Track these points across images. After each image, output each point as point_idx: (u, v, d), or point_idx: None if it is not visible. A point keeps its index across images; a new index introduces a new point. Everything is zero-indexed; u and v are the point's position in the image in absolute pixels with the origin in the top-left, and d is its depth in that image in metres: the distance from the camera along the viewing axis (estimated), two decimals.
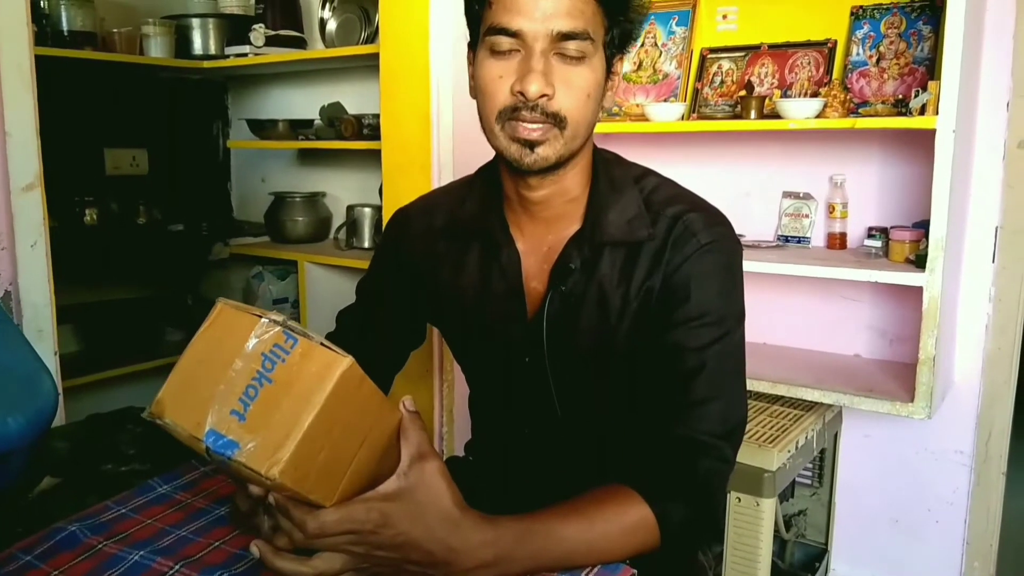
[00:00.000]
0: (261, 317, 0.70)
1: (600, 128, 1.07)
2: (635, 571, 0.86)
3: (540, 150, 0.94)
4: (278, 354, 0.68)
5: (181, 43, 2.98)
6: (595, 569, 0.85)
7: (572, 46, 0.92)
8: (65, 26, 2.64)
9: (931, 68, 1.92)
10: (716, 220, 1.02)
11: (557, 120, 0.93)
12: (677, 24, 2.30)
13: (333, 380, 0.67)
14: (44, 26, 2.59)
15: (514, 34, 0.92)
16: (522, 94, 0.91)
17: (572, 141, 0.96)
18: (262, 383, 0.68)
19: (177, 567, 0.85)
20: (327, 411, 0.67)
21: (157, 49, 2.88)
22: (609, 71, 0.99)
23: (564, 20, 0.91)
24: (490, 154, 1.09)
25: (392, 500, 0.76)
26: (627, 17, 0.97)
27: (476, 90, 0.99)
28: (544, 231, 1.06)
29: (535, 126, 0.93)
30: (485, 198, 1.09)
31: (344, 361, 0.68)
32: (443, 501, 0.78)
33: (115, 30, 2.77)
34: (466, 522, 0.79)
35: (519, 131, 0.94)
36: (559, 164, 0.98)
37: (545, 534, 0.83)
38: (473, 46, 1.00)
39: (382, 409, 0.76)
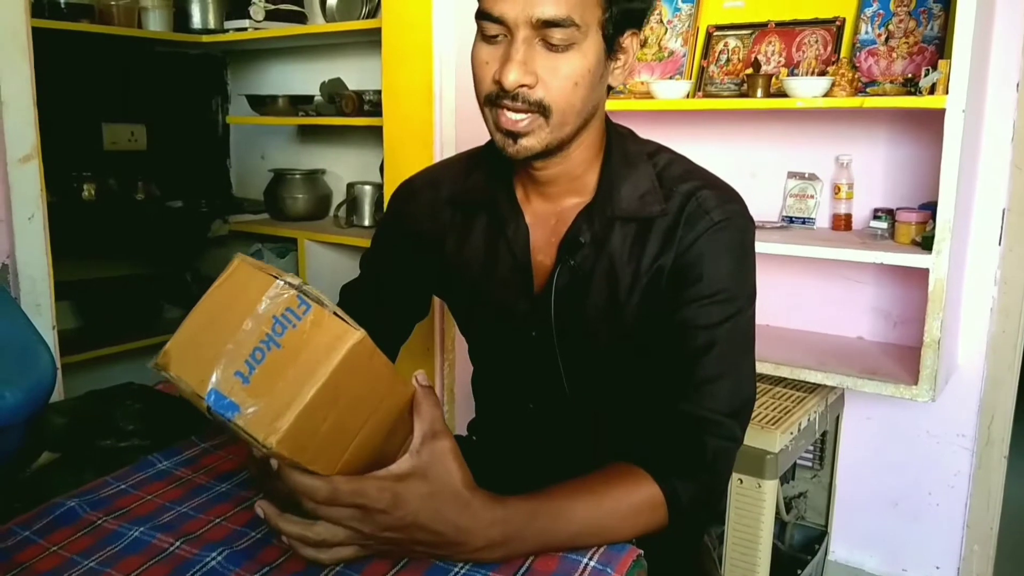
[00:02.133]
0: (277, 278, 0.68)
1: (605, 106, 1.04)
2: (641, 551, 0.85)
3: (523, 141, 0.93)
4: (289, 319, 0.67)
5: (180, 17, 2.95)
6: (601, 549, 0.84)
7: (556, 34, 0.89)
8: None
9: (941, 47, 1.90)
10: (730, 197, 1.00)
11: (541, 108, 0.91)
12: (683, 1, 2.27)
13: (341, 353, 0.66)
14: None
15: (498, 19, 0.90)
16: (499, 83, 0.90)
17: (560, 129, 0.94)
18: (270, 347, 0.66)
19: (177, 543, 0.83)
20: (332, 384, 0.66)
21: (156, 22, 2.84)
22: (613, 50, 0.95)
23: (547, 6, 0.88)
24: None
25: (404, 480, 0.75)
26: None
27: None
28: (553, 204, 1.04)
29: (518, 116, 0.92)
30: (493, 170, 1.08)
31: (355, 335, 0.66)
32: (454, 482, 0.77)
33: (113, 3, 2.73)
34: (476, 502, 0.78)
35: (502, 121, 0.93)
36: (551, 150, 0.96)
37: (554, 513, 0.82)
38: None
39: (394, 383, 0.74)
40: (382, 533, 0.74)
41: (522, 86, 0.90)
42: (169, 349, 0.70)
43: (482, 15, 0.91)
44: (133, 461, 1.03)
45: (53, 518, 0.88)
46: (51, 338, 1.70)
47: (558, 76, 0.91)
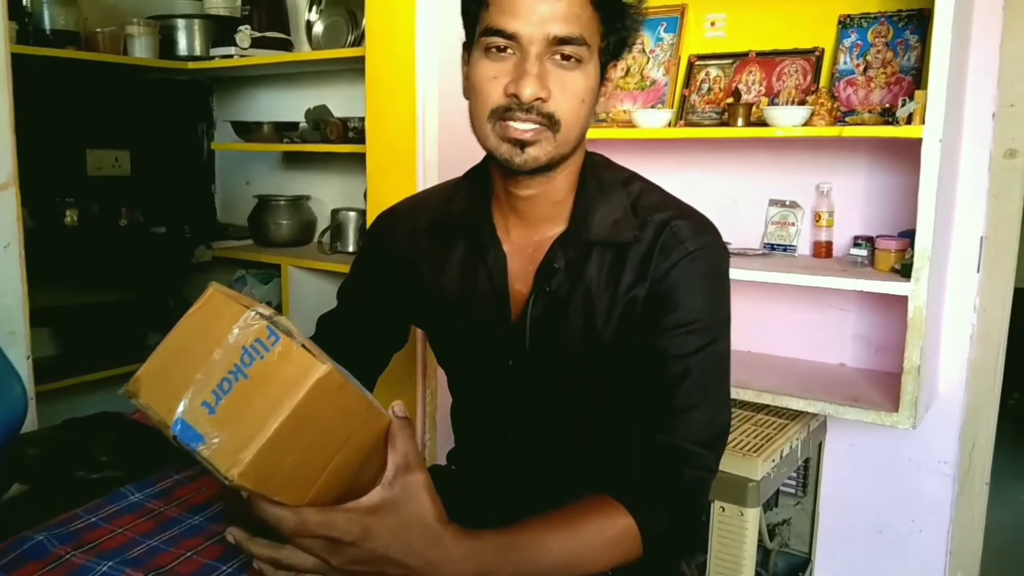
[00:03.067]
0: (249, 308, 0.68)
1: (587, 134, 1.06)
2: None
3: (531, 150, 0.94)
4: (258, 350, 0.67)
5: (166, 43, 2.95)
6: None
7: (568, 51, 0.92)
8: (48, 25, 2.60)
9: (918, 77, 1.93)
10: (704, 227, 1.01)
11: (551, 122, 0.93)
12: (665, 31, 2.30)
13: (306, 386, 0.65)
14: (26, 24, 2.56)
15: (510, 36, 0.91)
16: (516, 96, 0.91)
17: (563, 144, 0.95)
18: (238, 378, 0.66)
19: None
20: (297, 417, 0.65)
21: (141, 49, 2.85)
22: (603, 77, 0.99)
23: (560, 24, 0.90)
24: (476, 158, 1.08)
25: (375, 513, 0.75)
26: (623, 24, 0.97)
27: (469, 89, 0.98)
28: (531, 232, 1.05)
29: (527, 127, 0.93)
30: (473, 198, 1.09)
31: (321, 368, 0.66)
32: (426, 516, 0.77)
33: (99, 30, 2.74)
34: (447, 536, 0.77)
35: (510, 131, 0.93)
36: (549, 166, 0.97)
37: (527, 546, 0.82)
38: (468, 46, 1.00)
39: (368, 413, 0.74)
40: (350, 566, 0.74)
41: (537, 99, 0.91)
42: (140, 376, 0.70)
43: (491, 32, 0.92)
44: (106, 493, 1.01)
45: (21, 552, 0.87)
46: (26, 367, 1.68)
47: (568, 91, 0.93)
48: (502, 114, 0.93)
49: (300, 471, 0.69)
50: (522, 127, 0.93)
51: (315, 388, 0.66)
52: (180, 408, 0.66)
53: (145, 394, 0.69)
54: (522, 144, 0.93)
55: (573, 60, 0.92)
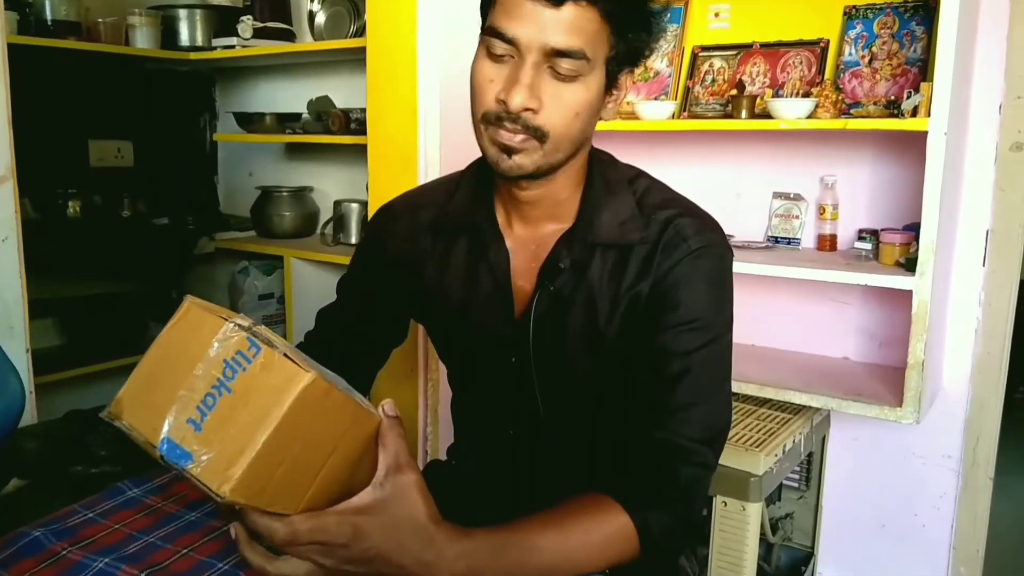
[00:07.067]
0: (228, 320, 0.66)
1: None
2: None
3: (517, 158, 0.93)
4: (240, 362, 0.65)
5: (167, 34, 2.95)
6: None
7: (565, 64, 0.89)
8: (49, 15, 2.61)
9: (924, 69, 1.91)
10: (707, 226, 1.00)
11: (538, 134, 0.91)
12: (669, 21, 2.28)
13: (292, 396, 0.64)
14: (27, 15, 2.56)
15: (509, 40, 0.90)
16: (504, 104, 0.90)
17: (552, 155, 0.94)
18: (221, 392, 0.65)
19: (142, 575, 0.82)
20: (285, 428, 0.64)
21: (143, 40, 2.84)
22: (612, 86, 0.96)
23: (561, 36, 0.88)
24: (477, 150, 1.07)
25: (366, 513, 0.74)
26: (636, 35, 0.94)
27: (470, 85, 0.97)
28: (534, 228, 1.04)
29: (514, 136, 0.91)
30: (475, 194, 1.07)
31: (306, 376, 0.65)
32: (418, 516, 0.76)
33: (100, 20, 2.73)
34: (440, 536, 0.77)
35: (499, 136, 0.92)
36: (540, 174, 0.96)
37: (521, 546, 0.81)
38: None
39: (357, 416, 0.73)
40: (344, 566, 0.73)
41: (526, 110, 0.89)
42: (121, 397, 0.68)
43: (493, 32, 0.91)
44: (104, 488, 1.01)
45: (17, 548, 0.87)
46: (25, 361, 1.67)
47: (561, 105, 0.91)
48: (492, 119, 0.92)
49: (292, 481, 0.68)
50: (510, 135, 0.91)
51: (301, 397, 0.64)
52: (165, 427, 0.64)
53: (128, 415, 0.67)
54: (509, 150, 0.92)
55: (570, 74, 0.90)
